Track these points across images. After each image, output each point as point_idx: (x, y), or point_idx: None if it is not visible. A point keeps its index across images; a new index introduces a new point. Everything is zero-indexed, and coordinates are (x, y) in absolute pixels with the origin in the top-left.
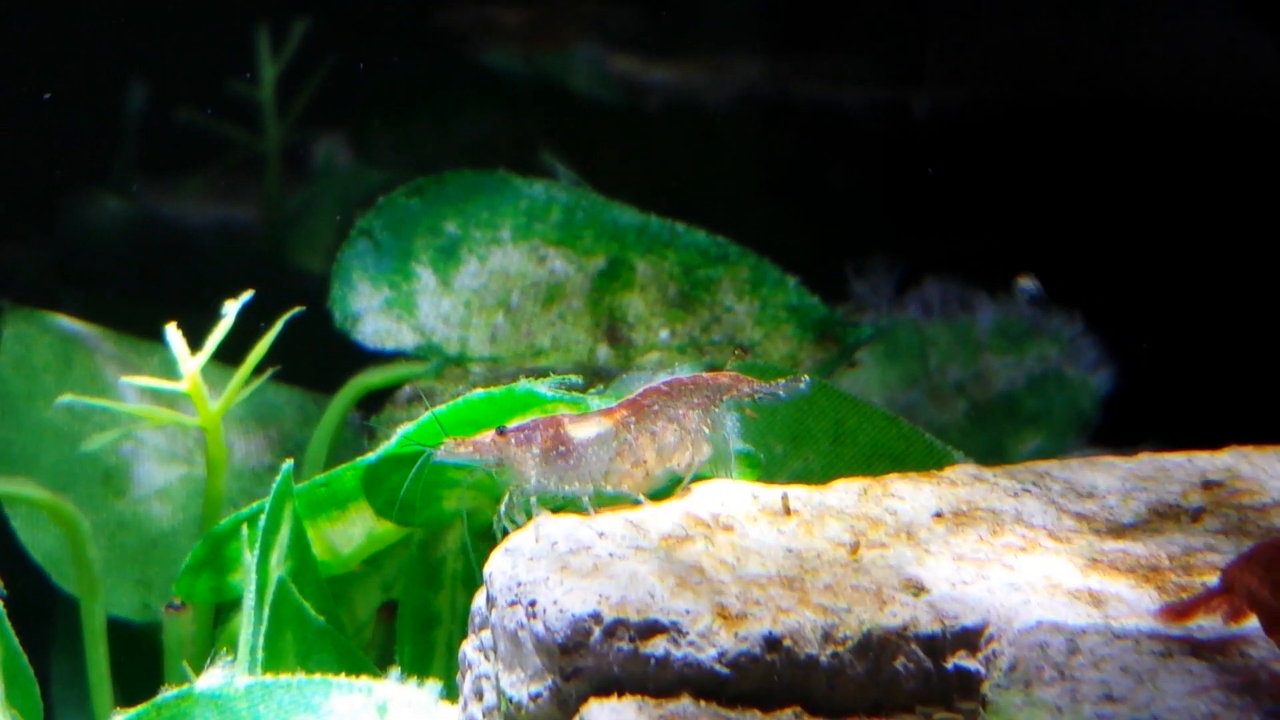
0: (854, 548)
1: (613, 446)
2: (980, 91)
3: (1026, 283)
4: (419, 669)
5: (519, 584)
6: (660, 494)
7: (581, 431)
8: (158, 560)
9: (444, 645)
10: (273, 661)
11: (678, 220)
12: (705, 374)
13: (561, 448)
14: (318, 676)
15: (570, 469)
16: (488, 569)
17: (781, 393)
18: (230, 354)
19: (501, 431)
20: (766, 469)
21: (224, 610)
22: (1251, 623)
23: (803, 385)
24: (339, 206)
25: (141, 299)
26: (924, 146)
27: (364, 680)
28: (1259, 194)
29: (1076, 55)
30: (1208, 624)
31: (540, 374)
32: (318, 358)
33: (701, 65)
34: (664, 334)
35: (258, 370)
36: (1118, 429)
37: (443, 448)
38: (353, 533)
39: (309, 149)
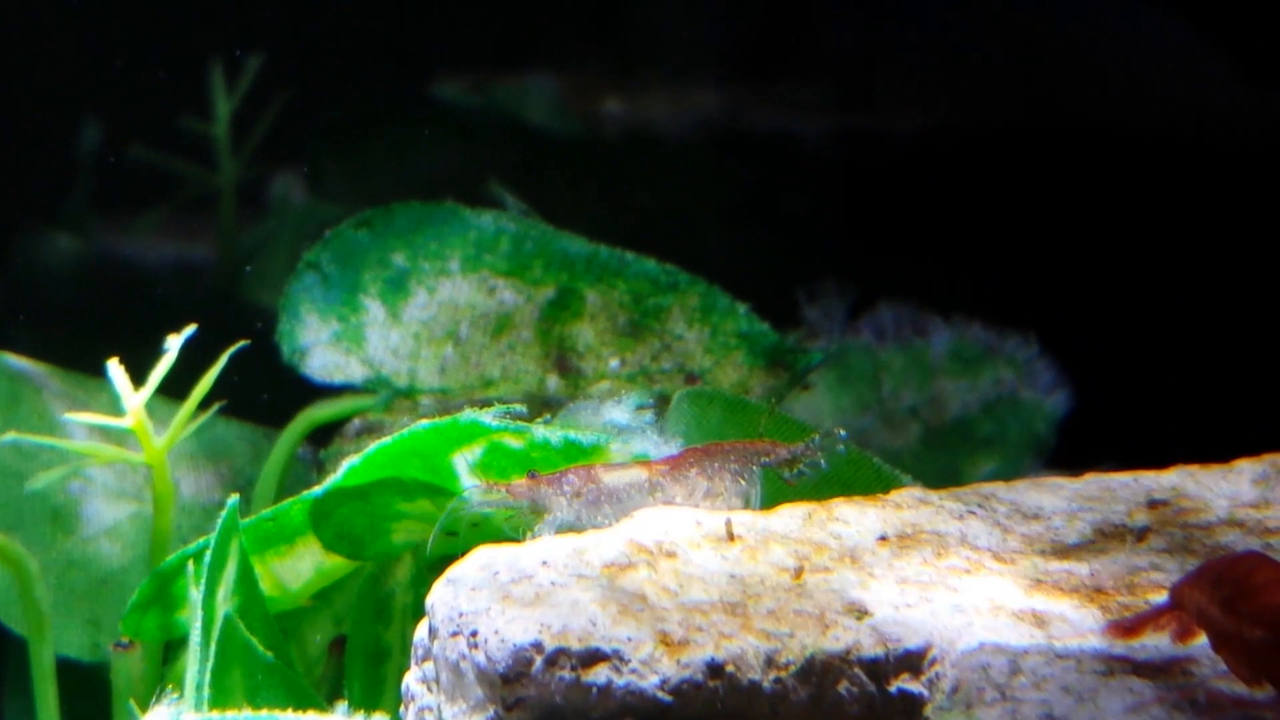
0: (797, 572)
1: (645, 490)
2: (933, 117)
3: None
4: (369, 703)
5: (460, 614)
6: None
7: (615, 478)
8: (107, 599)
9: (394, 679)
10: (220, 698)
11: (631, 249)
12: (744, 441)
13: (592, 486)
14: (264, 713)
15: (601, 506)
16: (430, 599)
17: (822, 460)
18: (184, 390)
19: (533, 476)
20: None
21: (174, 648)
22: (1200, 641)
23: (840, 448)
24: (294, 242)
25: (95, 337)
26: (876, 172)
27: (311, 716)
28: (1213, 218)
29: (1029, 81)
30: (1154, 642)
31: (489, 405)
32: (271, 392)
33: (654, 95)
34: (614, 363)
35: (208, 405)
36: (1074, 452)
37: (474, 492)
38: (301, 567)
39: (264, 185)
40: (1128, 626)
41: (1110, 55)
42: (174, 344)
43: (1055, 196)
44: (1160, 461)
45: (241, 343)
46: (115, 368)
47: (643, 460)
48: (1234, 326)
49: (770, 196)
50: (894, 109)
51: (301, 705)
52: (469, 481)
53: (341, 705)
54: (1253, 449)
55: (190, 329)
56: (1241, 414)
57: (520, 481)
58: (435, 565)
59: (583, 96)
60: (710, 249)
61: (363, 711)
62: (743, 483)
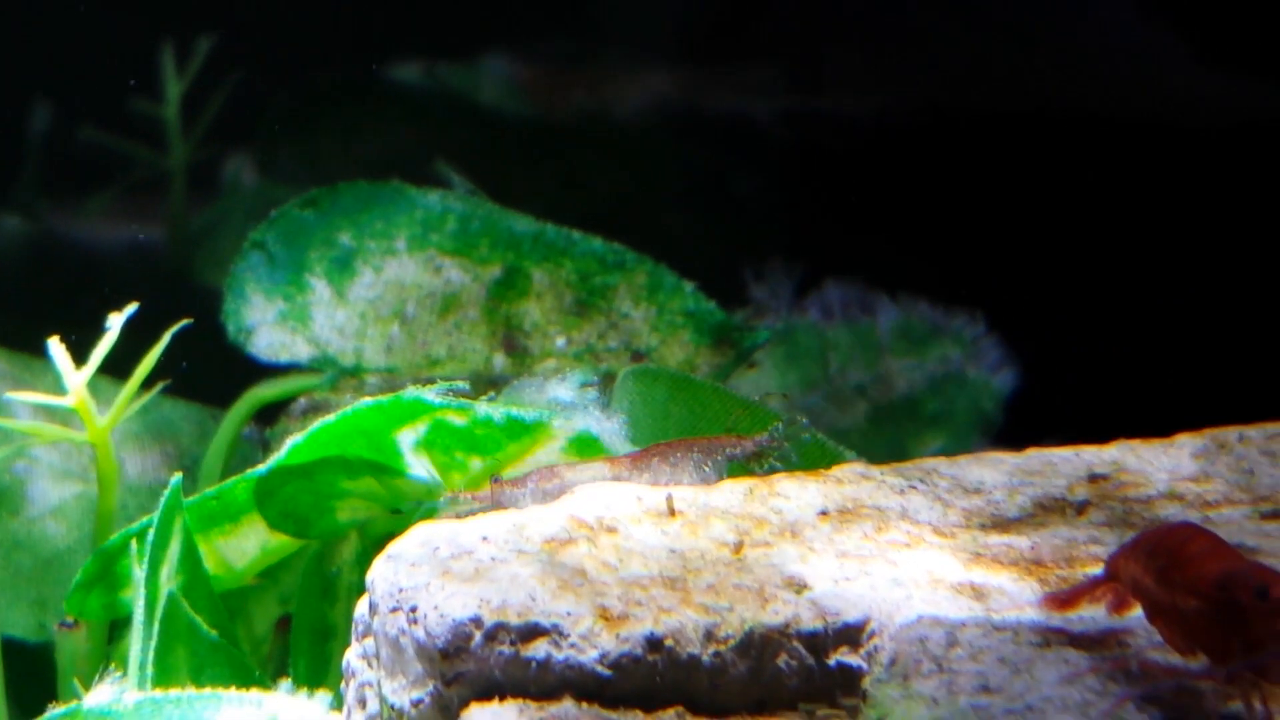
0: (737, 547)
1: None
2: (881, 99)
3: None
4: (314, 681)
5: (400, 590)
6: None
7: (577, 474)
8: (53, 579)
9: (340, 657)
10: (164, 677)
11: (582, 230)
12: (708, 437)
13: (556, 482)
14: (208, 690)
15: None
16: (370, 576)
17: (792, 453)
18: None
19: (496, 480)
20: None
21: (119, 627)
22: (1135, 613)
23: (805, 436)
24: (245, 223)
25: (45, 319)
26: (824, 153)
27: (254, 693)
28: (1161, 199)
29: (978, 62)
30: (1090, 613)
31: (433, 383)
32: (218, 372)
33: (606, 77)
34: (560, 341)
35: (155, 385)
36: (1021, 429)
37: (444, 501)
38: (246, 546)
39: (214, 167)
40: (1064, 598)
41: (1062, 36)
42: (115, 322)
43: (1003, 177)
44: (1106, 438)
45: (184, 321)
46: (56, 346)
47: (607, 456)
48: (1178, 304)
49: (719, 177)
50: (843, 90)
51: (246, 683)
52: (413, 459)
53: (285, 683)
54: (1195, 424)
55: (131, 307)
56: (1185, 390)
57: (484, 489)
58: (381, 543)
59: (536, 79)
60: (659, 229)
61: (306, 689)
62: (707, 469)
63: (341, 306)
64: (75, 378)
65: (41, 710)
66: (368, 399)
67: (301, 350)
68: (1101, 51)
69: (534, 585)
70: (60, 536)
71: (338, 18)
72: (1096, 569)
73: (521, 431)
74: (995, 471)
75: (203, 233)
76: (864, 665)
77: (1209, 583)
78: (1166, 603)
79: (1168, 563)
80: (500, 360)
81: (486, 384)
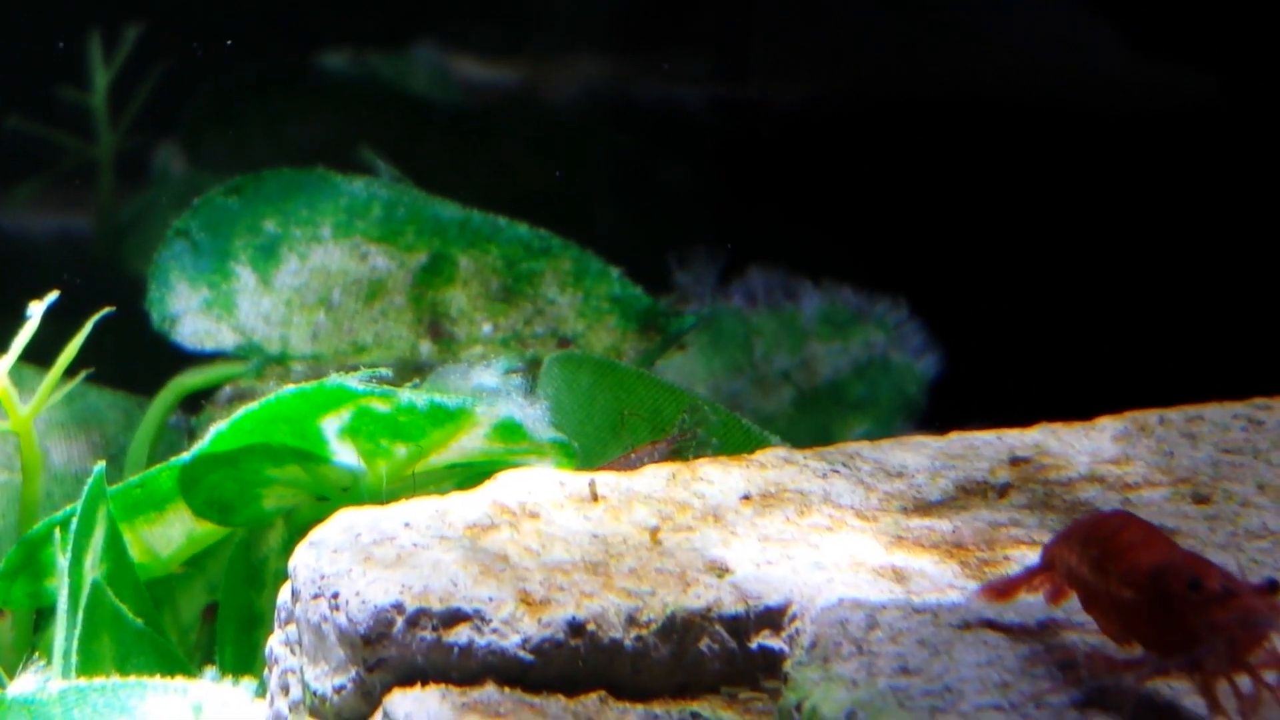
0: (659, 531)
1: None
2: (806, 85)
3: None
4: (241, 669)
5: (322, 576)
6: None
7: None
8: None
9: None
10: (89, 665)
11: (507, 216)
12: (621, 456)
13: None
14: (133, 679)
15: None
16: (292, 562)
17: (714, 439)
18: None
19: None
20: (586, 459)
21: (45, 616)
22: (1071, 601)
23: (712, 418)
24: (174, 212)
25: None
26: (748, 140)
27: (179, 681)
28: (1086, 185)
29: (904, 49)
30: (1026, 601)
31: (357, 370)
32: (145, 361)
33: (535, 63)
34: (486, 328)
35: (79, 373)
36: (945, 414)
37: None
38: (172, 534)
39: (143, 155)
40: (1000, 589)
41: (990, 24)
42: (36, 311)
43: (926, 164)
44: (1029, 421)
45: (106, 310)
46: None
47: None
48: (1100, 288)
49: (645, 164)
50: (770, 79)
51: (172, 671)
52: (338, 446)
53: (211, 670)
54: (1116, 407)
55: (52, 296)
56: (1107, 373)
57: None
58: (306, 530)
59: (465, 65)
60: (586, 215)
61: (232, 676)
62: None
63: (267, 294)
64: None
65: None
66: (292, 386)
67: (227, 338)
68: (1029, 39)
69: (456, 571)
70: None
71: (266, 5)
72: (1017, 551)
73: (445, 418)
74: (918, 455)
75: (131, 222)
76: (785, 648)
77: (1143, 574)
78: (1102, 592)
79: (1101, 553)
80: (426, 347)
81: (413, 371)
